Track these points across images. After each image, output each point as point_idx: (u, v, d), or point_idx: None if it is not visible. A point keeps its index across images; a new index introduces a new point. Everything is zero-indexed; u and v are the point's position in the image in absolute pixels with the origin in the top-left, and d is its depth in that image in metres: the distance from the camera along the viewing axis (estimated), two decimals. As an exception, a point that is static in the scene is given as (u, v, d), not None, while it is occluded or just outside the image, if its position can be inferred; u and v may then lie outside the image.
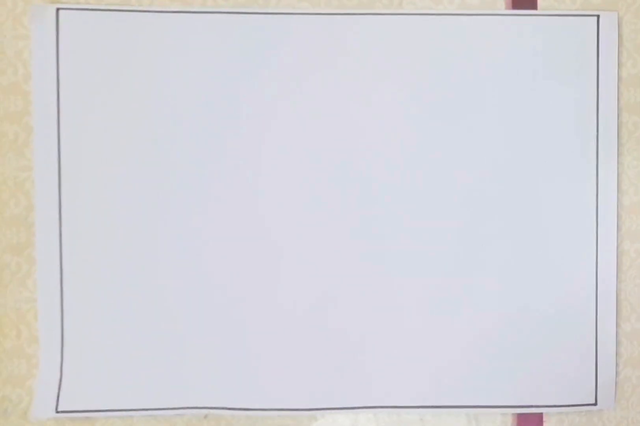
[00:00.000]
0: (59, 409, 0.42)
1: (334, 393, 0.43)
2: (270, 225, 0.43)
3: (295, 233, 0.43)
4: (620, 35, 0.44)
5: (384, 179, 0.43)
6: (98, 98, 0.42)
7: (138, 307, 0.42)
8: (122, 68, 0.42)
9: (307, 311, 0.43)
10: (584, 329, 0.44)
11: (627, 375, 0.45)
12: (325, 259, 0.43)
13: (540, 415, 0.44)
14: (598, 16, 0.43)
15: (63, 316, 0.42)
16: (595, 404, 0.44)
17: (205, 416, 0.43)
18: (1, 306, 0.42)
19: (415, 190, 0.43)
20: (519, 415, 0.44)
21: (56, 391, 0.42)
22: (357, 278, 0.43)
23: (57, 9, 0.42)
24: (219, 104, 0.42)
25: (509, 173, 0.43)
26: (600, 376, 0.44)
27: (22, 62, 0.42)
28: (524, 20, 0.43)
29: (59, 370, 0.42)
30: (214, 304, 0.43)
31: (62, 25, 0.42)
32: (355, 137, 0.43)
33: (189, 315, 0.43)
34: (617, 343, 0.44)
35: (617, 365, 0.44)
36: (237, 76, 0.42)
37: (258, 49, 0.42)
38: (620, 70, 0.44)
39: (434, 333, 0.43)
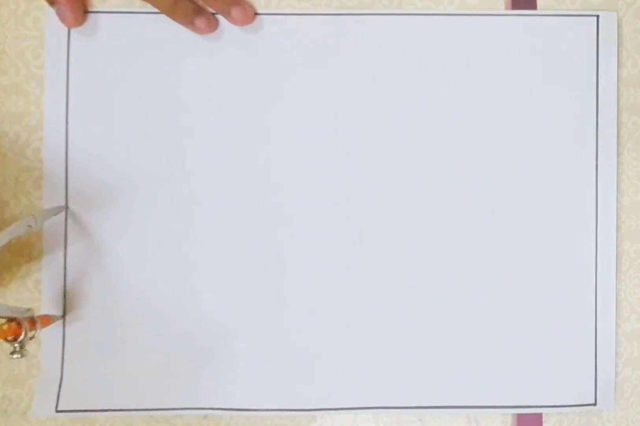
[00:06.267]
0: (59, 408, 0.42)
1: (333, 393, 0.43)
2: (267, 225, 0.43)
3: (290, 233, 0.43)
4: (620, 36, 0.44)
5: (381, 180, 0.43)
6: (109, 102, 0.42)
7: (138, 307, 0.42)
8: (134, 72, 0.42)
9: (305, 312, 0.43)
10: (584, 329, 0.43)
11: (626, 375, 0.44)
12: (323, 260, 0.43)
13: (540, 415, 0.44)
14: (598, 16, 0.43)
15: (65, 315, 0.42)
16: (595, 404, 0.44)
17: (205, 417, 0.43)
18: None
19: (412, 189, 0.43)
20: (519, 415, 0.44)
21: (56, 390, 0.42)
22: (357, 278, 0.43)
23: None
24: (214, 106, 0.42)
25: (507, 172, 0.43)
26: (600, 376, 0.44)
27: (23, 63, 0.42)
28: (523, 20, 0.43)
29: (60, 369, 0.42)
30: (211, 304, 0.43)
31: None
32: (354, 137, 0.43)
33: (188, 316, 0.43)
34: (617, 343, 0.44)
35: (616, 365, 0.44)
36: (237, 76, 0.43)
37: (257, 50, 0.42)
38: (620, 70, 0.44)
39: (433, 333, 0.43)
